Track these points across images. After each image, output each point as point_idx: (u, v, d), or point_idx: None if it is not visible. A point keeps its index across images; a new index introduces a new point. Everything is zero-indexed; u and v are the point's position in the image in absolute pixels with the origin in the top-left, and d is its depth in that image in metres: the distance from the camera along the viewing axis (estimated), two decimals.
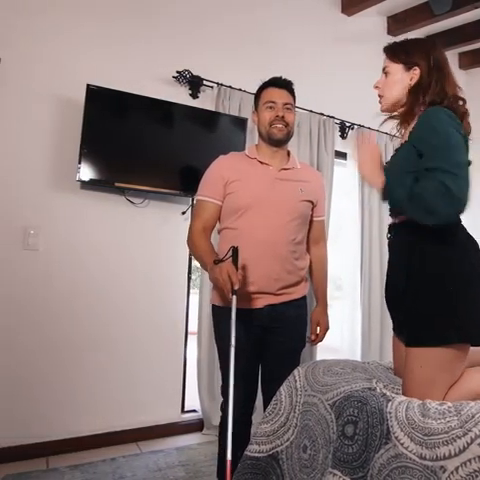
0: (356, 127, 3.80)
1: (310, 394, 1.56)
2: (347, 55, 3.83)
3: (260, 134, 1.96)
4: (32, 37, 2.58)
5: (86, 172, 2.56)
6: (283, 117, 1.89)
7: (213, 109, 3.06)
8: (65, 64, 2.65)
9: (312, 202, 1.98)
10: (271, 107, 1.90)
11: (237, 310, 1.77)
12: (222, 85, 3.06)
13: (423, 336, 1.33)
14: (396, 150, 1.54)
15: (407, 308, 1.40)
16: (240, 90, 3.10)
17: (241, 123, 3.03)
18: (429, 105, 1.41)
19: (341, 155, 3.82)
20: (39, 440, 2.46)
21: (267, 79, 1.99)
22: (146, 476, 2.27)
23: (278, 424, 1.63)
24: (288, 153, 2.02)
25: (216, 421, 2.79)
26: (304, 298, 2.00)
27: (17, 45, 2.53)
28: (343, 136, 3.76)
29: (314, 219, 2.04)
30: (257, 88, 2.02)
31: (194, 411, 3.01)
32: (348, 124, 3.77)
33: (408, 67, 1.47)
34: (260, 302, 1.85)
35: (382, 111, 1.62)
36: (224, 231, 1.93)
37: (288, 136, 1.94)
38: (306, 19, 3.65)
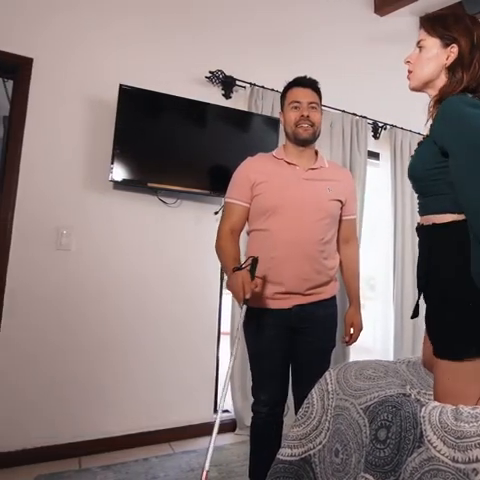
0: (389, 127, 3.89)
1: (342, 398, 1.58)
2: (380, 55, 3.91)
3: (287, 134, 2.01)
4: (64, 37, 2.65)
5: (119, 172, 2.62)
6: (308, 116, 1.92)
7: (246, 109, 3.10)
8: (98, 64, 2.72)
9: (341, 201, 2.01)
10: (296, 107, 1.94)
11: (266, 310, 1.86)
12: (255, 85, 3.10)
13: (451, 349, 1.29)
14: (418, 144, 1.48)
15: (429, 316, 1.39)
16: (273, 90, 3.14)
17: (273, 123, 3.05)
18: (463, 91, 1.30)
19: (373, 155, 3.90)
20: (72, 440, 2.54)
21: (292, 79, 2.03)
22: (179, 476, 2.32)
23: (310, 427, 1.65)
24: (316, 152, 2.04)
25: (249, 421, 2.83)
26: (334, 298, 2.03)
27: (49, 45, 2.60)
28: (376, 136, 3.84)
29: (343, 218, 2.07)
30: (284, 88, 2.05)
31: (226, 411, 3.04)
32: (381, 124, 3.84)
33: (446, 43, 1.34)
34: (288, 302, 1.89)
35: (411, 89, 1.52)
36: (253, 233, 1.98)
37: (314, 135, 1.97)
38: (339, 19, 3.71)
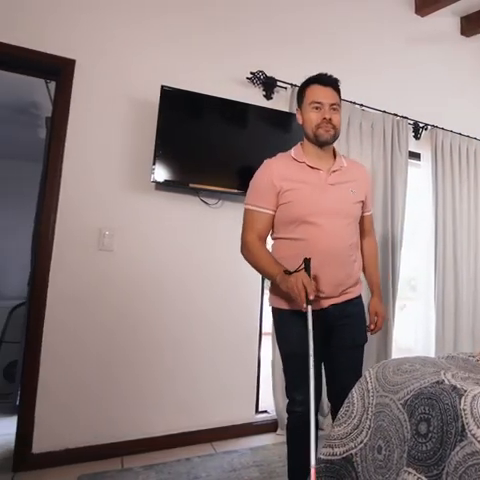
0: (430, 127, 3.94)
1: (382, 395, 1.62)
2: (420, 55, 4.04)
3: (306, 134, 2.00)
4: (106, 38, 2.75)
5: (160, 173, 2.70)
6: (330, 119, 1.91)
7: (287, 110, 3.16)
8: (139, 65, 2.82)
9: (362, 201, 2.08)
10: (317, 108, 1.92)
11: (301, 313, 1.85)
12: (296, 86, 3.12)
13: None
14: None
15: None
16: None
17: None
18: None
19: (415, 156, 3.96)
20: (114, 440, 2.62)
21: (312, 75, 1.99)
22: (220, 476, 2.39)
23: (351, 426, 1.70)
24: (334, 151, 2.06)
25: None
26: (360, 296, 2.13)
27: (91, 46, 2.71)
28: (417, 137, 3.90)
29: (364, 214, 2.15)
30: (301, 84, 2.02)
31: (266, 412, 3.12)
32: (422, 124, 3.90)
33: None
34: (325, 303, 1.96)
35: None
36: (280, 241, 2.00)
37: (335, 137, 1.97)
38: (379, 19, 3.86)
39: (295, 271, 1.76)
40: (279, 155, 2.07)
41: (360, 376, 1.81)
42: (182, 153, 2.78)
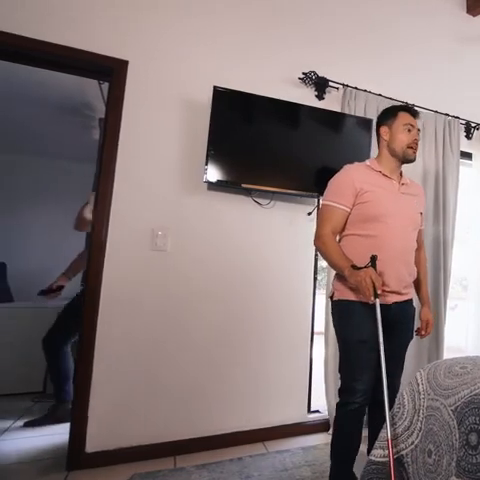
0: None
1: (433, 398, 1.67)
2: (472, 55, 4.14)
3: (393, 151, 2.32)
4: (158, 39, 2.85)
5: (213, 173, 2.79)
6: (417, 141, 2.31)
7: (339, 110, 3.24)
8: (192, 66, 2.91)
9: (421, 214, 2.43)
10: (409, 130, 2.30)
11: (367, 305, 2.08)
12: (348, 86, 3.26)
13: None
14: None
15: None
16: (365, 91, 3.30)
17: (367, 124, 3.20)
18: None
19: (466, 155, 4.06)
20: (166, 440, 2.73)
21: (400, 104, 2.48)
22: (272, 476, 2.46)
23: (402, 428, 1.77)
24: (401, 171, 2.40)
25: None
26: (412, 298, 2.41)
27: (144, 47, 2.81)
28: (468, 136, 4.03)
29: (420, 228, 2.47)
30: (391, 107, 2.42)
31: (318, 411, 3.20)
32: (473, 124, 4.04)
33: None
34: (390, 299, 2.21)
35: None
36: (351, 237, 2.26)
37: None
38: (431, 19, 3.97)
39: (364, 267, 2.00)
40: (356, 163, 2.36)
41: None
42: (234, 153, 2.87)
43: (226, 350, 2.96)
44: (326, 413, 3.16)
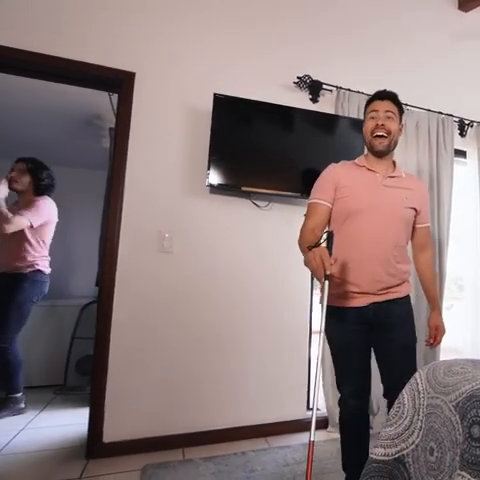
0: (475, 124, 3.64)
1: (433, 396, 1.48)
2: (464, 51, 3.74)
3: (366, 145, 1.99)
4: (162, 51, 2.73)
5: (214, 177, 2.64)
6: (383, 125, 1.89)
7: (332, 112, 3.03)
8: (193, 74, 2.78)
9: (415, 209, 1.99)
10: (373, 117, 1.93)
11: (343, 309, 1.84)
12: (341, 88, 3.04)
13: None
14: None
15: None
16: (358, 92, 3.07)
17: (360, 125, 2.90)
18: None
19: (460, 153, 3.64)
20: (176, 432, 2.58)
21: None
22: (275, 471, 2.28)
23: (402, 427, 1.57)
24: (394, 162, 2.01)
25: None
26: (408, 296, 2.00)
27: (149, 59, 2.69)
28: (462, 134, 3.62)
29: (417, 226, 2.06)
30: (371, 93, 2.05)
31: (317, 409, 2.99)
32: (467, 122, 3.62)
33: None
34: (364, 301, 1.87)
35: None
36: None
37: (389, 147, 1.93)
38: (422, 16, 3.61)
39: (315, 245, 1.66)
40: (342, 161, 2.06)
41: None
42: (234, 157, 2.71)
43: (228, 348, 2.77)
44: (325, 410, 2.93)
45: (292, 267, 2.91)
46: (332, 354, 2.00)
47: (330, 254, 1.61)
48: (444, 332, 2.10)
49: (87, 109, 3.74)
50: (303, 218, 2.84)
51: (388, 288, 1.91)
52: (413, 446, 1.51)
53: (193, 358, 2.69)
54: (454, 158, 3.47)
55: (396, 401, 1.61)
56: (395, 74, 3.33)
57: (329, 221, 1.98)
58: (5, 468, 2.28)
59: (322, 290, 1.65)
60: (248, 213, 2.86)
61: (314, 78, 3.04)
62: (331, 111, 3.05)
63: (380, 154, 1.95)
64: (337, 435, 2.68)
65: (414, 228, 2.05)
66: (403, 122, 2.03)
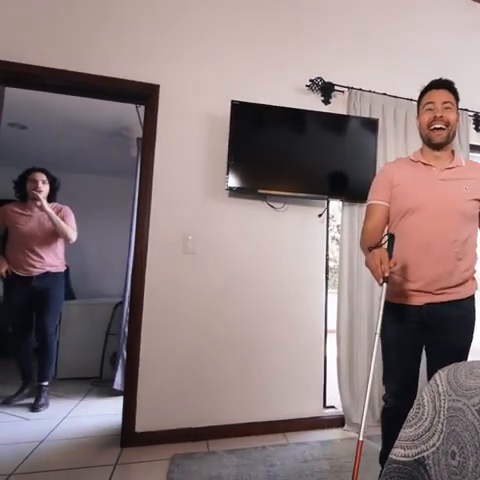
0: None
1: (454, 399, 1.32)
2: (478, 43, 3.33)
3: (422, 137, 1.75)
4: (184, 63, 2.64)
5: (233, 181, 2.52)
6: (441, 117, 1.65)
7: (345, 113, 2.82)
8: (212, 83, 2.67)
9: (477, 199, 1.67)
10: (430, 109, 1.68)
11: (397, 306, 1.64)
12: (352, 88, 2.83)
13: None
14: None
15: None
16: (370, 92, 2.86)
17: (372, 124, 2.76)
18: None
19: (476, 148, 3.26)
20: (201, 425, 2.46)
21: (427, 83, 1.76)
22: (294, 466, 2.11)
23: (422, 429, 1.41)
24: (452, 152, 1.76)
25: (356, 419, 2.54)
26: (470, 298, 1.70)
27: (172, 71, 2.61)
28: (478, 128, 3.24)
29: None
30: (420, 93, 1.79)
31: (333, 407, 2.78)
32: None
33: None
34: (419, 300, 1.66)
35: None
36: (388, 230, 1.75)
37: (448, 138, 1.69)
38: (434, 7, 3.27)
39: (376, 246, 1.52)
40: (398, 158, 1.87)
41: None
42: (251, 161, 2.58)
43: (248, 347, 2.62)
44: (341, 409, 2.73)
45: (307, 267, 2.76)
46: (382, 350, 1.78)
47: (390, 256, 1.48)
48: None
49: (117, 121, 3.72)
50: (318, 219, 2.76)
51: (446, 288, 1.66)
52: (434, 448, 1.35)
53: (216, 356, 2.57)
54: (470, 154, 3.13)
55: (415, 402, 1.45)
56: (406, 69, 3.03)
57: (389, 220, 1.78)
58: (50, 454, 2.24)
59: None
60: (265, 215, 2.71)
61: (326, 80, 2.85)
62: (343, 112, 2.85)
63: (438, 146, 1.70)
64: (354, 434, 2.50)
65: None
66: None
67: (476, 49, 3.33)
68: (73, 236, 3.16)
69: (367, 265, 1.53)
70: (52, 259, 3.12)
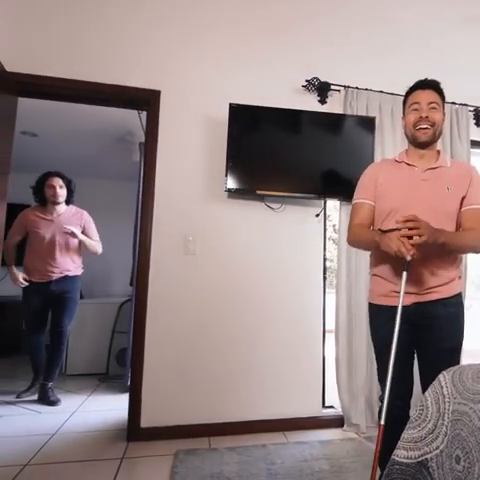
0: None
1: (460, 402, 1.21)
2: (477, 36, 3.08)
3: (407, 137, 1.66)
4: (183, 68, 2.56)
5: (231, 182, 2.42)
6: (427, 117, 1.56)
7: (341, 112, 2.67)
8: (210, 87, 2.58)
9: (461, 197, 1.57)
10: (416, 109, 1.59)
11: (384, 307, 1.55)
12: (349, 87, 2.68)
13: None
14: None
15: None
16: (366, 90, 2.70)
17: (369, 122, 2.60)
18: None
19: (477, 144, 3.01)
20: (203, 422, 2.38)
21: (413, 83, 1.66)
22: (294, 465, 2.00)
23: (426, 431, 1.30)
24: (438, 152, 1.67)
25: (356, 419, 2.42)
26: (457, 296, 1.60)
27: (172, 77, 2.53)
28: (478, 123, 2.99)
29: (463, 209, 1.58)
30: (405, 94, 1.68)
31: (332, 407, 2.64)
32: None
33: None
34: (406, 300, 1.51)
35: None
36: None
37: (434, 137, 1.61)
38: (431, 3, 3.02)
39: (388, 230, 1.43)
40: (383, 158, 1.79)
41: None
42: (249, 163, 2.46)
43: (248, 346, 2.51)
44: (340, 409, 2.59)
45: (305, 266, 2.64)
46: (375, 352, 1.69)
47: (407, 264, 1.41)
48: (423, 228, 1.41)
49: (121, 127, 3.68)
50: (315, 218, 2.64)
51: (432, 287, 1.55)
52: (437, 451, 1.24)
53: (217, 355, 2.47)
54: (471, 150, 2.88)
55: (419, 403, 1.34)
56: (405, 65, 2.83)
57: (374, 221, 1.69)
58: (61, 447, 2.21)
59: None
60: (263, 215, 2.60)
61: (322, 80, 2.71)
62: (340, 111, 2.70)
63: (423, 145, 1.61)
64: (352, 435, 2.39)
65: (460, 213, 1.59)
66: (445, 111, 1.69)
67: (474, 43, 3.09)
68: (100, 249, 3.14)
69: (384, 247, 1.43)
70: (69, 264, 3.04)
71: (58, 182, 3.02)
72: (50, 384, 2.95)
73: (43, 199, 3.04)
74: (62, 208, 3.08)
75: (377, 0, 2.93)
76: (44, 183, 3.02)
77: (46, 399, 2.88)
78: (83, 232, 3.09)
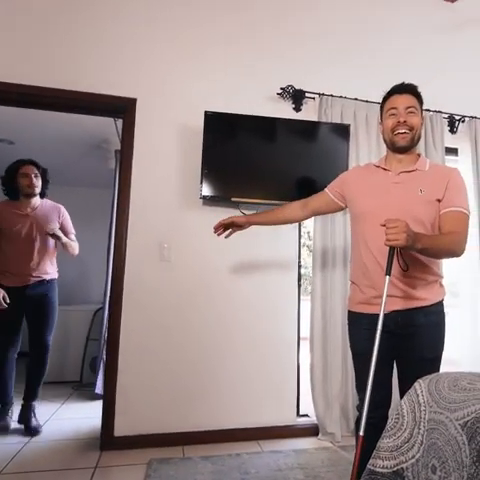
0: (467, 119, 2.89)
1: (436, 411, 1.15)
2: (451, 44, 2.99)
3: (385, 142, 1.56)
4: (158, 76, 2.48)
5: (207, 190, 2.34)
6: (405, 122, 1.48)
7: (316, 119, 2.59)
8: (186, 95, 2.50)
9: (435, 200, 1.45)
10: (393, 114, 1.49)
11: (362, 315, 1.47)
12: (323, 95, 2.61)
13: None
14: None
15: None
16: (341, 97, 2.62)
17: (343, 130, 2.53)
18: None
19: (451, 151, 2.88)
20: (176, 430, 2.27)
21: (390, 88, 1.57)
22: (268, 475, 1.90)
23: (401, 440, 1.23)
24: (418, 155, 1.57)
25: (331, 428, 2.33)
26: (438, 304, 1.50)
27: (147, 85, 2.46)
28: (453, 130, 2.85)
29: (441, 212, 1.46)
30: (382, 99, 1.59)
31: (307, 416, 2.53)
32: (457, 117, 2.86)
33: None
34: (386, 307, 1.39)
35: None
36: (352, 237, 1.63)
37: (412, 142, 1.51)
38: (405, 10, 2.91)
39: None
40: (366, 164, 1.71)
41: None
42: (224, 170, 2.38)
43: (220, 354, 2.40)
44: (314, 418, 2.48)
45: (280, 273, 2.55)
46: (353, 360, 1.60)
47: (389, 269, 1.31)
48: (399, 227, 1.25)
49: (96, 134, 3.59)
50: (290, 226, 2.52)
51: (408, 295, 1.44)
52: (413, 460, 1.18)
53: (190, 363, 2.36)
54: (445, 157, 2.79)
55: (394, 412, 1.28)
56: (377, 73, 2.74)
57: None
58: (34, 455, 2.12)
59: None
60: None
61: (297, 87, 2.64)
62: (315, 118, 2.63)
63: (402, 150, 1.51)
64: (327, 444, 2.30)
65: (439, 217, 1.47)
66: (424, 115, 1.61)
67: (449, 50, 3.00)
68: (77, 250, 2.72)
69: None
70: (48, 266, 2.59)
71: (33, 170, 2.55)
72: (35, 403, 2.52)
73: (14, 191, 2.56)
74: (37, 201, 2.61)
75: (352, 8, 2.85)
76: (17, 171, 2.53)
77: (27, 423, 2.43)
78: (60, 228, 2.63)
